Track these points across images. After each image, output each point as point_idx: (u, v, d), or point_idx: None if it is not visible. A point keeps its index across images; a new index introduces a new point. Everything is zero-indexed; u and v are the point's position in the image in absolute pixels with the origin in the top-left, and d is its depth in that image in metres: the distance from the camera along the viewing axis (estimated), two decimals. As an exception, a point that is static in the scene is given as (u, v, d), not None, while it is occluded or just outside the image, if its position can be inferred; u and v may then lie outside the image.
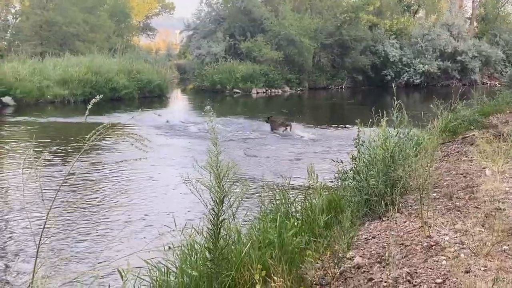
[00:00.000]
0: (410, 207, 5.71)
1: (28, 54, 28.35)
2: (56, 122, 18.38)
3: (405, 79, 37.13)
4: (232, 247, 3.74)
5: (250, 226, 4.67)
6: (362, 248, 4.58)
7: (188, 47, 42.99)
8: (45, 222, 2.79)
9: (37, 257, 2.76)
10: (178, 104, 29.57)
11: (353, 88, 36.90)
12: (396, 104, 5.87)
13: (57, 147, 13.19)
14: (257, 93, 33.10)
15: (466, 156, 8.74)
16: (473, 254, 3.91)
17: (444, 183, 6.66)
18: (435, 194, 6.05)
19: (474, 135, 10.71)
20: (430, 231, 4.40)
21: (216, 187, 3.21)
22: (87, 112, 2.76)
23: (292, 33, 34.41)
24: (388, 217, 5.46)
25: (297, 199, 5.58)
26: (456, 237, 4.29)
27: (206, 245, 3.52)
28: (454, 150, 10.20)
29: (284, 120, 16.48)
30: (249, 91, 33.00)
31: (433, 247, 4.09)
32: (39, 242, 2.80)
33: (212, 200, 3.34)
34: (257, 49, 34.70)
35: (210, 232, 3.38)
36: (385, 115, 5.81)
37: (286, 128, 16.12)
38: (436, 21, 41.74)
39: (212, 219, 3.32)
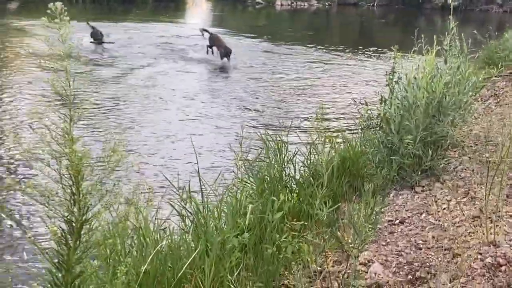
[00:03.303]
0: (455, 173, 4.13)
1: None
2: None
3: (442, 0, 33.91)
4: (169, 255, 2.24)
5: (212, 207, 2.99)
6: (383, 243, 3.07)
7: None
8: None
9: None
10: (189, 12, 27.08)
11: (386, 7, 33.94)
12: (452, 27, 4.10)
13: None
14: (281, 5, 30.64)
15: (522, 99, 7.02)
16: None
17: (499, 138, 4.99)
18: (487, 155, 4.42)
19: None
20: (495, 231, 2.84)
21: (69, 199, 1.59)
22: None
23: None
24: (424, 187, 3.91)
25: (299, 152, 3.98)
26: (540, 250, 2.72)
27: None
28: (503, 88, 8.43)
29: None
30: (272, 2, 30.57)
31: (503, 267, 2.54)
32: None
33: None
34: (286, -45, 31.88)
35: None
36: (435, 43, 4.04)
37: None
38: None
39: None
